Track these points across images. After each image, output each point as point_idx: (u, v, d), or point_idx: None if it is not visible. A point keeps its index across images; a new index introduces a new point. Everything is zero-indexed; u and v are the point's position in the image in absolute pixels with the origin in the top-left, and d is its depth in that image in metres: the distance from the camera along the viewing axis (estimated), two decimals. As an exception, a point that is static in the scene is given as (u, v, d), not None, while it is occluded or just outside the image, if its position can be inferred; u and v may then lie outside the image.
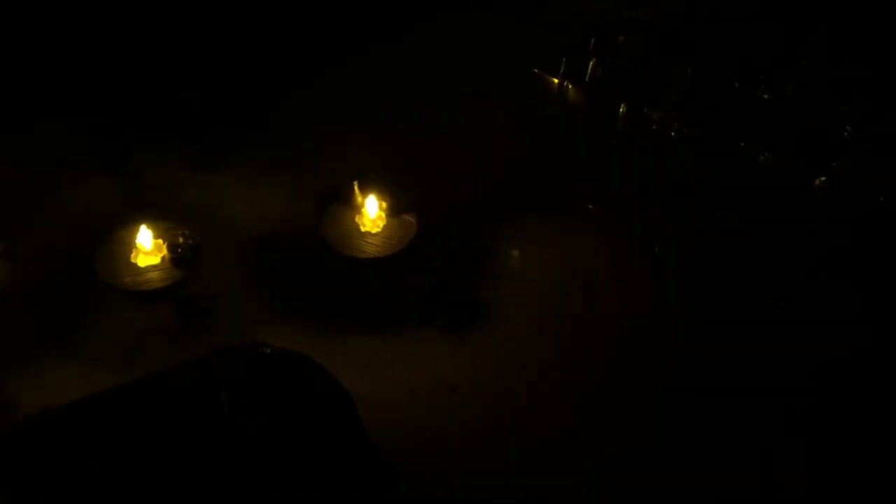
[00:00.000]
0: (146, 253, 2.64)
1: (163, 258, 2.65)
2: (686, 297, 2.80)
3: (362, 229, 2.77)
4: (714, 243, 2.80)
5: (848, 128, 2.54)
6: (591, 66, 2.90)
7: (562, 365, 2.65)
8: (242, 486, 2.04)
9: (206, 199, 3.04)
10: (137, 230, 2.64)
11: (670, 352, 2.66)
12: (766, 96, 2.74)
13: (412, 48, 3.34)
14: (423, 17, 3.38)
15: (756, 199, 2.72)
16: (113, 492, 2.03)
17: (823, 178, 2.62)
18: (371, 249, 2.73)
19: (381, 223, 2.78)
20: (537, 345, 2.69)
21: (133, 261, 2.64)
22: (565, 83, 2.98)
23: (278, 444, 2.12)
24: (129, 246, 2.66)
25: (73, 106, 3.24)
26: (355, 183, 2.80)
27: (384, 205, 2.79)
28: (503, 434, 2.47)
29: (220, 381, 2.20)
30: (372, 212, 2.77)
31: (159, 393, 2.21)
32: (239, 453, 2.09)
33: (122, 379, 2.28)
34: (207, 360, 2.28)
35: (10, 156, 3.08)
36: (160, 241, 2.67)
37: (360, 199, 2.79)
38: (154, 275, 2.63)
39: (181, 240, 2.66)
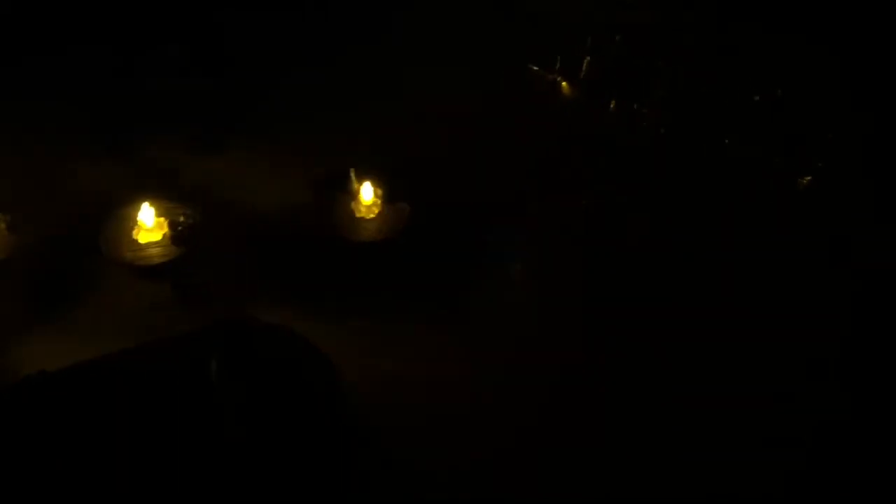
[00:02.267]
0: (147, 230, 2.73)
1: (163, 235, 2.74)
2: (676, 291, 2.86)
3: (357, 215, 2.85)
4: (699, 239, 2.87)
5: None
6: (585, 63, 2.98)
7: (551, 353, 2.71)
8: (225, 449, 2.13)
9: (204, 182, 3.12)
10: (139, 207, 2.74)
11: (663, 346, 2.72)
12: (756, 97, 2.81)
13: (411, 40, 3.42)
14: (423, 7, 3.46)
15: (741, 195, 2.78)
16: (102, 450, 2.12)
17: (809, 178, 2.68)
18: (365, 235, 2.81)
19: (376, 210, 2.85)
20: (525, 333, 2.76)
21: (134, 237, 2.73)
22: (559, 79, 3.06)
23: (261, 410, 2.21)
24: (131, 223, 2.75)
25: (75, 86, 3.33)
26: (352, 170, 2.88)
27: (379, 192, 2.86)
28: (489, 419, 2.54)
29: (210, 351, 2.29)
30: (367, 198, 2.85)
31: (151, 359, 2.31)
32: (223, 419, 2.18)
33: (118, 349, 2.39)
34: (198, 331, 2.37)
35: (13, 134, 3.18)
36: (161, 219, 2.75)
37: (356, 185, 2.87)
38: (154, 251, 2.72)
39: (182, 218, 2.75)
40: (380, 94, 3.34)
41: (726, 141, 2.74)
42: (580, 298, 2.86)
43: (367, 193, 2.85)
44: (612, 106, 2.86)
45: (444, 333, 2.73)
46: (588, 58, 2.95)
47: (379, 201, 2.86)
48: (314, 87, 3.37)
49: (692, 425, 2.53)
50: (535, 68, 3.12)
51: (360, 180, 2.86)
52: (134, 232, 2.74)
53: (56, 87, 3.31)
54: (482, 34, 3.34)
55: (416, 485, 2.33)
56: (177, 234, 2.73)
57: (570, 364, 2.68)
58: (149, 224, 2.73)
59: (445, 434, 2.46)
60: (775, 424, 2.52)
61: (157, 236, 2.74)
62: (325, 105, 3.32)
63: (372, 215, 2.85)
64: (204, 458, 2.11)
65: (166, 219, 2.76)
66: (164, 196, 2.81)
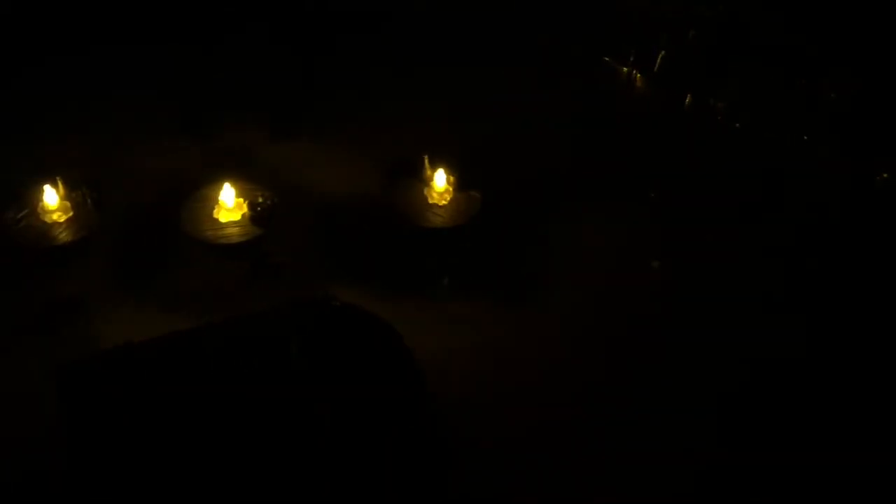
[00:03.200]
0: (228, 210, 2.82)
1: (242, 216, 2.82)
2: (739, 287, 2.87)
3: (430, 201, 2.90)
4: (772, 236, 2.87)
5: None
6: (659, 57, 2.99)
7: (608, 342, 2.75)
8: (306, 427, 2.19)
9: (278, 165, 3.20)
10: (221, 188, 2.82)
11: (719, 337, 2.74)
12: (833, 95, 2.80)
13: (482, 29, 3.46)
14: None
15: (817, 193, 2.78)
16: (184, 422, 2.20)
17: (885, 175, 2.66)
18: (437, 220, 2.86)
19: (448, 196, 2.90)
20: (585, 321, 2.80)
21: (215, 216, 2.82)
22: (634, 72, 3.08)
23: (339, 391, 2.27)
24: (212, 202, 2.84)
25: (157, 71, 3.45)
26: (426, 156, 2.93)
27: (452, 179, 2.91)
28: (550, 399, 2.59)
29: (291, 329, 2.36)
30: (440, 185, 2.90)
31: (234, 334, 2.39)
32: (302, 398, 2.24)
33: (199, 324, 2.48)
34: (280, 308, 2.44)
35: (100, 114, 3.29)
36: (241, 199, 2.84)
37: (429, 171, 2.92)
38: (234, 230, 2.80)
39: (260, 199, 2.83)
40: (451, 82, 3.39)
41: (805, 137, 2.74)
42: (644, 287, 2.89)
43: (440, 180, 2.90)
44: (687, 101, 2.88)
45: (513, 317, 2.78)
46: (662, 52, 2.96)
47: (451, 188, 2.91)
48: (386, 75, 3.43)
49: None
50: (609, 60, 3.14)
51: (434, 167, 2.92)
52: (214, 211, 2.83)
53: (139, 71, 3.44)
54: (555, 25, 3.37)
55: (483, 462, 2.38)
56: (256, 215, 2.80)
57: (635, 349, 2.72)
58: (229, 204, 2.82)
59: (514, 413, 2.51)
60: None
61: (236, 216, 2.82)
62: (396, 93, 3.38)
63: (444, 202, 2.90)
64: (286, 435, 2.17)
65: (245, 200, 2.84)
66: (242, 178, 2.89)
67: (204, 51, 3.47)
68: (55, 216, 2.78)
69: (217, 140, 3.28)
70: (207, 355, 2.33)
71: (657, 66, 2.98)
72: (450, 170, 2.90)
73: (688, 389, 2.58)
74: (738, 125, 2.82)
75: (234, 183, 2.84)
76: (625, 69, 3.11)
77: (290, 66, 3.50)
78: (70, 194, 2.82)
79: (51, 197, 2.78)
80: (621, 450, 2.46)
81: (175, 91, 3.40)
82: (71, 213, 2.79)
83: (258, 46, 3.51)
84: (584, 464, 2.43)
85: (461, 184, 2.91)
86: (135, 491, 2.12)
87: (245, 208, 2.83)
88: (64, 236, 2.75)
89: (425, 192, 2.92)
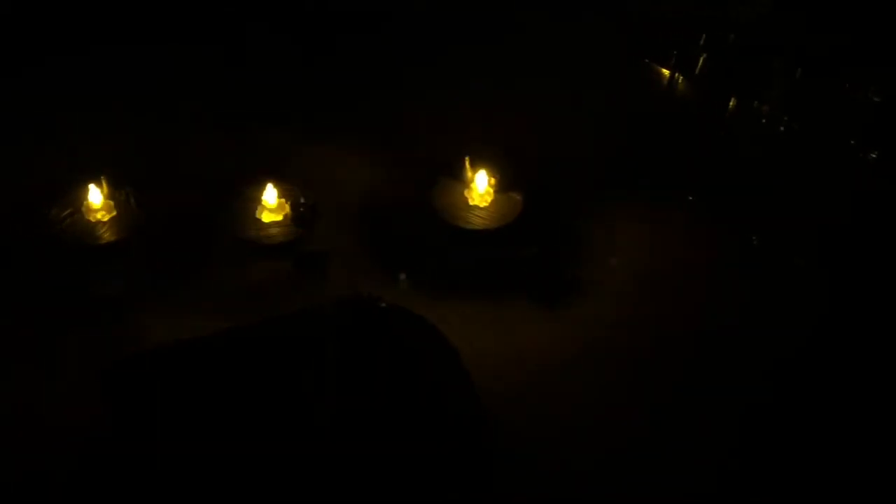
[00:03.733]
0: (270, 210, 2.83)
1: (284, 216, 2.84)
2: (781, 290, 2.85)
3: (471, 203, 2.90)
4: (814, 241, 2.85)
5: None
6: (701, 60, 2.99)
7: (647, 343, 2.73)
8: (352, 426, 2.20)
9: (318, 166, 3.19)
10: (263, 188, 2.84)
11: (757, 341, 2.72)
12: (876, 99, 2.78)
13: (524, 32, 3.46)
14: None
15: (861, 199, 2.76)
16: (226, 421, 2.22)
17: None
18: (478, 222, 2.86)
19: (489, 198, 2.91)
20: (624, 322, 2.78)
21: (257, 216, 2.84)
22: (676, 75, 3.07)
23: (385, 394, 2.27)
24: (255, 202, 2.86)
25: (194, 70, 3.46)
26: (467, 158, 2.94)
27: (493, 181, 2.91)
28: (588, 399, 2.58)
29: (335, 329, 2.37)
30: (481, 187, 2.90)
31: (281, 334, 2.40)
32: (349, 398, 2.25)
33: (242, 323, 2.49)
34: (325, 307, 2.45)
35: (139, 113, 3.30)
36: (283, 200, 2.85)
37: (470, 173, 2.93)
38: (276, 231, 2.82)
39: (302, 200, 2.85)
40: (491, 84, 3.39)
41: (851, 142, 2.72)
42: (686, 289, 2.87)
43: (481, 182, 2.90)
44: (731, 104, 2.87)
45: (555, 320, 2.76)
46: (704, 55, 2.95)
47: (492, 190, 2.91)
48: (424, 76, 3.44)
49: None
50: (650, 62, 3.14)
51: (475, 169, 2.92)
52: (257, 211, 2.85)
53: (176, 70, 3.44)
54: (595, 27, 3.36)
55: (534, 468, 2.38)
56: (298, 215, 2.82)
57: (675, 353, 2.70)
58: (272, 204, 2.83)
59: (560, 417, 2.50)
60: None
61: (278, 216, 2.84)
62: (435, 95, 3.38)
63: (485, 204, 2.90)
64: (333, 435, 2.18)
65: (287, 200, 2.85)
66: (281, 178, 2.90)
67: (238, 49, 3.49)
68: (99, 215, 2.81)
69: (253, 140, 3.29)
70: (253, 354, 2.34)
71: (698, 68, 2.98)
72: (491, 171, 2.91)
73: (733, 394, 2.58)
74: (782, 129, 2.81)
75: (276, 183, 2.85)
76: (666, 71, 3.11)
77: (321, 66, 3.51)
78: (114, 193, 2.85)
79: (95, 196, 2.81)
80: (665, 456, 2.45)
81: (210, 90, 3.41)
82: (114, 213, 2.82)
83: (288, 46, 3.52)
84: (629, 469, 2.42)
85: (503, 186, 2.92)
86: (177, 489, 2.13)
87: (287, 209, 2.84)
88: (108, 235, 2.78)
89: (466, 193, 2.92)
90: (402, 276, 2.84)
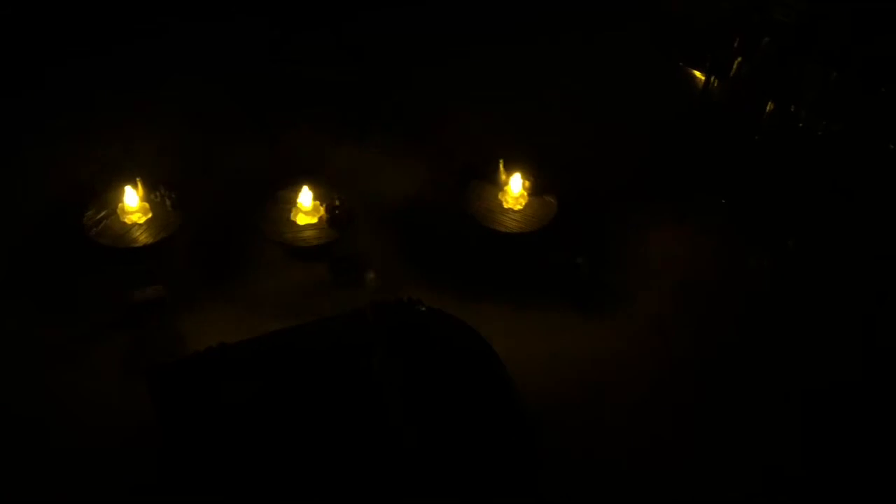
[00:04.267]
0: (305, 212, 2.84)
1: (319, 218, 2.83)
2: (814, 298, 2.85)
3: (505, 206, 2.90)
4: (851, 247, 2.85)
5: None
6: (735, 63, 2.98)
7: (685, 346, 2.74)
8: (397, 430, 2.20)
9: (350, 169, 3.20)
10: (299, 191, 2.84)
11: (792, 349, 2.72)
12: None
13: (559, 34, 3.46)
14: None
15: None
16: (271, 423, 2.23)
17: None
18: (513, 225, 2.86)
19: (524, 201, 2.90)
20: (661, 326, 2.79)
21: (293, 219, 2.84)
22: (711, 78, 3.06)
23: (428, 400, 2.27)
24: (290, 205, 2.86)
25: (230, 72, 3.46)
26: (501, 161, 2.94)
27: (527, 184, 2.91)
28: (629, 403, 2.59)
29: (376, 334, 2.37)
30: (516, 189, 2.90)
31: (325, 337, 2.41)
32: (393, 400, 2.25)
33: (279, 326, 2.49)
34: (364, 312, 2.46)
35: (175, 115, 3.31)
36: (318, 202, 2.85)
37: (504, 176, 2.93)
38: (311, 233, 2.82)
39: (337, 203, 2.85)
40: (525, 86, 3.39)
41: (891, 146, 2.72)
42: (722, 294, 2.88)
43: (515, 185, 2.90)
44: (768, 108, 2.86)
45: (592, 323, 2.77)
46: (739, 58, 2.94)
47: (526, 193, 2.91)
48: (459, 78, 3.44)
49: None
50: (685, 65, 3.13)
51: (509, 172, 2.92)
52: (292, 214, 2.85)
53: (211, 71, 3.45)
54: (628, 31, 3.36)
55: (574, 468, 2.38)
56: (333, 218, 2.82)
57: (713, 355, 2.71)
58: (307, 207, 2.83)
59: (602, 420, 2.51)
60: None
61: (313, 219, 2.84)
62: (469, 97, 3.38)
63: (519, 207, 2.90)
64: (376, 440, 2.18)
65: (322, 203, 2.85)
66: (317, 181, 2.90)
67: (272, 50, 3.49)
68: (135, 217, 2.81)
69: (286, 142, 3.30)
70: (298, 358, 2.35)
71: (733, 71, 2.97)
72: (526, 174, 2.91)
73: (769, 399, 2.58)
74: (820, 133, 2.81)
75: (312, 185, 2.85)
76: (700, 74, 3.10)
77: (356, 68, 3.51)
78: (149, 195, 2.85)
79: (131, 198, 2.81)
80: (705, 459, 2.46)
81: (243, 90, 3.41)
82: (150, 215, 2.82)
83: (324, 47, 3.52)
84: (669, 470, 2.43)
85: (536, 189, 2.91)
86: (226, 489, 2.14)
87: (322, 211, 2.84)
88: (144, 237, 2.78)
89: (500, 196, 2.92)
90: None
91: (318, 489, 2.14)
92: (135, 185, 2.83)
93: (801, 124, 2.83)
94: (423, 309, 2.44)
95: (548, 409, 2.45)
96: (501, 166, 2.93)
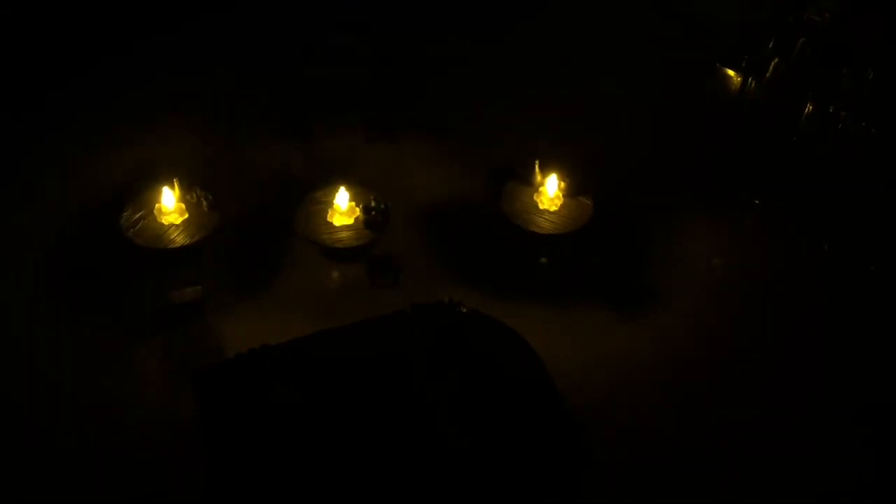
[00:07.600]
0: (341, 213, 2.84)
1: (356, 219, 2.83)
2: (852, 297, 2.84)
3: (540, 207, 2.89)
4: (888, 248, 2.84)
5: None
6: (772, 65, 2.97)
7: (722, 348, 2.74)
8: (441, 436, 2.20)
9: (383, 169, 3.20)
10: (335, 191, 2.84)
11: (830, 349, 2.71)
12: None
13: (590, 35, 3.45)
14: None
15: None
16: (312, 424, 2.23)
17: None
18: (548, 226, 2.85)
19: (559, 202, 2.90)
20: (699, 328, 2.78)
21: (329, 220, 2.84)
22: (749, 79, 3.05)
23: (474, 402, 2.27)
24: (326, 206, 2.86)
25: (261, 73, 3.47)
26: (536, 162, 2.93)
27: (563, 185, 2.91)
28: (667, 405, 2.59)
29: (419, 336, 2.37)
30: (551, 191, 2.89)
31: (363, 339, 2.40)
32: (434, 403, 2.25)
33: (316, 328, 2.49)
34: (405, 314, 2.45)
35: (210, 117, 3.33)
36: (353, 203, 2.85)
37: (539, 177, 2.92)
38: (346, 234, 2.82)
39: (373, 203, 2.85)
40: (560, 87, 3.38)
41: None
42: (762, 293, 2.87)
43: (551, 187, 2.89)
44: (807, 108, 2.85)
45: (631, 324, 2.77)
46: (776, 59, 2.94)
47: (562, 195, 2.91)
48: (493, 79, 3.43)
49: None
50: (721, 66, 3.13)
51: (544, 173, 2.92)
52: (328, 214, 2.85)
53: (243, 74, 3.47)
54: (667, 32, 3.36)
55: (618, 470, 2.38)
56: (369, 219, 2.82)
57: (755, 355, 2.71)
58: (343, 208, 2.83)
59: (640, 422, 2.51)
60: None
61: (349, 220, 2.84)
62: (504, 98, 3.37)
63: (555, 208, 2.89)
64: (425, 440, 2.18)
65: (358, 204, 2.85)
66: (352, 182, 2.90)
67: (305, 52, 3.49)
68: (172, 218, 2.81)
69: (319, 143, 3.30)
70: (342, 359, 2.35)
71: (769, 72, 2.96)
72: (561, 175, 2.90)
73: (810, 404, 2.57)
74: (858, 133, 2.80)
75: (348, 186, 2.85)
76: (737, 76, 3.09)
77: (385, 70, 3.51)
78: (186, 196, 2.86)
79: (168, 199, 2.81)
80: (751, 462, 2.45)
81: (278, 92, 3.42)
82: (187, 215, 2.83)
83: (353, 49, 3.52)
84: (708, 471, 2.42)
85: (572, 191, 2.91)
86: (268, 490, 2.14)
87: (358, 212, 2.84)
88: (181, 238, 2.78)
89: (535, 197, 2.92)
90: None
91: (366, 492, 2.13)
92: (172, 186, 2.84)
93: (839, 125, 2.82)
94: (465, 310, 2.43)
95: (588, 411, 2.45)
96: (537, 167, 2.93)
